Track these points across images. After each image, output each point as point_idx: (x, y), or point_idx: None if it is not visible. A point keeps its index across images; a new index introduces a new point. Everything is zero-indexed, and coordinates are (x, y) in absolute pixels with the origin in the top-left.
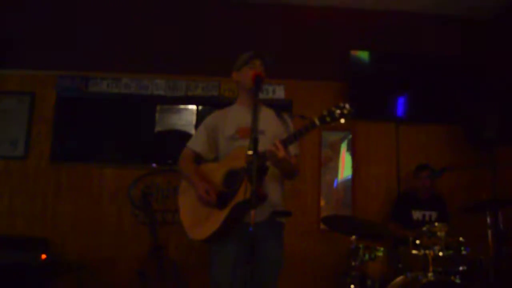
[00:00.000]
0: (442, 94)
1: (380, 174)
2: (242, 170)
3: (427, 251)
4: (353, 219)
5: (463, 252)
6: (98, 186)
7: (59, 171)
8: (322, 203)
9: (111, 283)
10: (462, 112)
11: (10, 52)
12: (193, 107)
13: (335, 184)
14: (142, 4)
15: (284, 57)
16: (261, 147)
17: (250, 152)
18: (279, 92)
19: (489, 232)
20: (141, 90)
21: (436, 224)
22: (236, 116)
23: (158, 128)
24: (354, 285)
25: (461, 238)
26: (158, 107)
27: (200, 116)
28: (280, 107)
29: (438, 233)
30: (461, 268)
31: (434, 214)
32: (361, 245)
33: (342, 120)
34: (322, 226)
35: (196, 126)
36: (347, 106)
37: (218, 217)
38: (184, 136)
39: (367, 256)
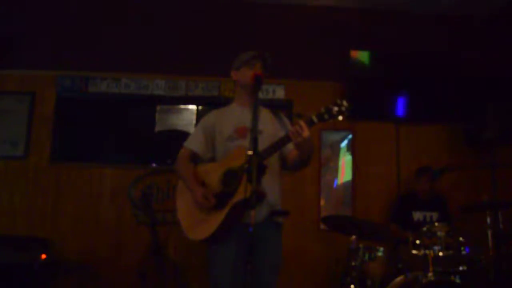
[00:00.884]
0: (442, 94)
1: (380, 174)
2: (241, 169)
3: (427, 251)
4: (353, 219)
5: (463, 252)
6: (98, 186)
7: (59, 171)
8: (322, 203)
9: (111, 283)
10: (462, 112)
11: (10, 52)
12: (193, 107)
13: (335, 184)
14: (142, 4)
15: (284, 57)
16: (259, 147)
17: (250, 152)
18: (279, 92)
19: (489, 232)
20: (141, 90)
21: (436, 224)
22: (234, 116)
23: (158, 128)
24: (354, 285)
25: (461, 238)
26: (158, 107)
27: (200, 116)
28: (280, 107)
29: (438, 233)
30: (461, 268)
31: (435, 215)
32: (361, 245)
33: (340, 117)
34: (322, 226)
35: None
36: (344, 103)
37: (217, 217)
38: (184, 136)
39: (367, 256)
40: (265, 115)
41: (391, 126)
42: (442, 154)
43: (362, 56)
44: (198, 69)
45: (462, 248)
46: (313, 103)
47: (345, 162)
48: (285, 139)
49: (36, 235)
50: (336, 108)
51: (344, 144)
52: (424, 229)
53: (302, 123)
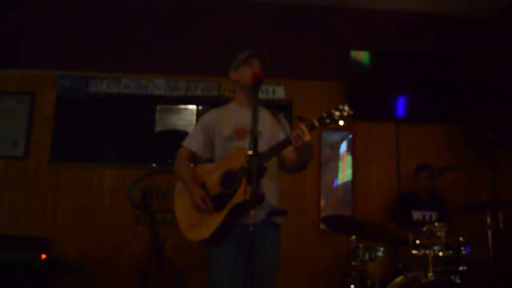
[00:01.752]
0: (442, 94)
1: (380, 174)
2: (240, 171)
3: (427, 251)
4: (353, 219)
5: (463, 252)
6: (98, 186)
7: (59, 171)
8: (322, 203)
9: (111, 283)
10: (462, 112)
11: (10, 52)
12: (193, 107)
13: (335, 184)
14: (142, 4)
15: (284, 57)
16: (258, 148)
17: (251, 153)
18: (279, 92)
19: (489, 232)
20: (141, 90)
21: (436, 224)
22: (233, 116)
23: (158, 128)
24: (354, 285)
25: (461, 238)
26: (158, 107)
27: (200, 116)
28: (280, 107)
29: (438, 233)
30: (461, 268)
31: (434, 215)
32: (361, 245)
33: (341, 122)
34: (322, 226)
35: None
36: (346, 108)
37: (216, 219)
38: (184, 136)
39: (367, 256)
40: (264, 115)
41: (391, 126)
42: (442, 154)
43: (362, 56)
44: (198, 69)
45: (462, 248)
46: (313, 103)
47: (345, 162)
48: (286, 143)
49: (36, 235)
50: (337, 113)
51: (344, 144)
52: (424, 229)
53: (303, 127)
